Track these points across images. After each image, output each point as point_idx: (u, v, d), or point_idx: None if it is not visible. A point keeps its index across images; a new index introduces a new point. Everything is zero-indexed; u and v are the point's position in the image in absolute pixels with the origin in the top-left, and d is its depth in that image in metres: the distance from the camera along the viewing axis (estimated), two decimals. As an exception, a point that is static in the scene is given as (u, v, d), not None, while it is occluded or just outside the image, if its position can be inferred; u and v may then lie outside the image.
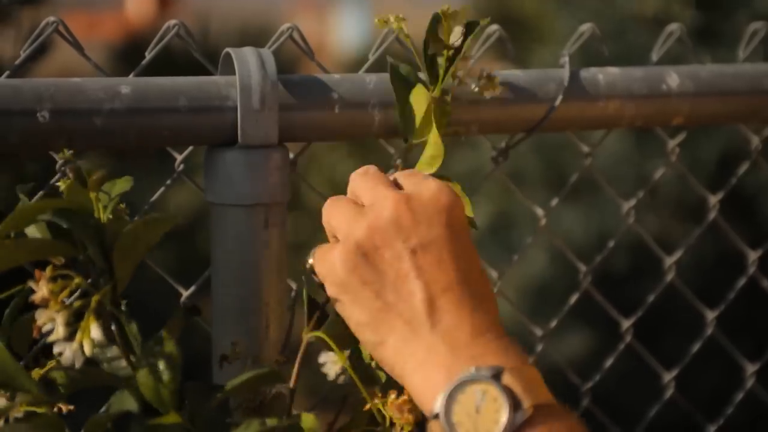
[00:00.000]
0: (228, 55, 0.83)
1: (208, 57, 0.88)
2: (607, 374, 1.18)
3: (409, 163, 1.00)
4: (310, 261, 0.74)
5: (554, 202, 1.09)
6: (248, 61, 0.81)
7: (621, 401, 1.89)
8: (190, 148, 0.88)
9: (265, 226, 0.83)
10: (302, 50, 0.90)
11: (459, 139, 0.89)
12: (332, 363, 0.78)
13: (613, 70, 0.97)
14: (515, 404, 0.62)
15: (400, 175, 0.75)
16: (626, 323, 1.18)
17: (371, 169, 0.75)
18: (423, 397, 0.66)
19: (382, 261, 0.68)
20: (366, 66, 0.94)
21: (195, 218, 3.11)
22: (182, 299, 0.93)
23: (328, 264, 0.71)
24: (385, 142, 0.98)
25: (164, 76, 0.81)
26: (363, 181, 0.74)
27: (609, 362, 1.18)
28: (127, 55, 3.51)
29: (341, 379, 0.90)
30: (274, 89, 0.81)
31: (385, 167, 1.01)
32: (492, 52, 1.03)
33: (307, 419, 0.76)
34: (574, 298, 1.13)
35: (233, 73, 0.81)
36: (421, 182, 0.72)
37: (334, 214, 0.73)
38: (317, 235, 0.92)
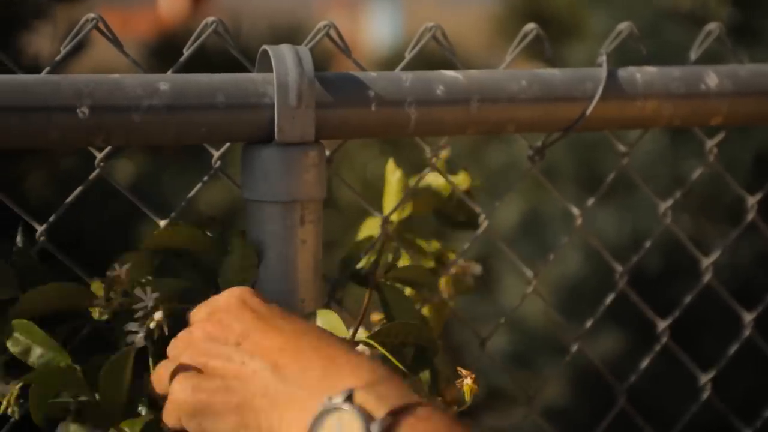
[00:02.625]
0: (265, 52, 0.83)
1: (240, 55, 0.88)
2: (642, 375, 1.17)
3: (449, 159, 1.00)
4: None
5: (590, 201, 1.08)
6: (285, 58, 0.81)
7: (657, 402, 1.87)
8: (227, 144, 0.88)
9: (301, 223, 0.83)
10: (339, 48, 0.91)
11: (490, 134, 0.89)
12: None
13: (651, 70, 0.96)
14: (369, 419, 0.62)
15: (194, 311, 0.78)
16: (662, 324, 1.17)
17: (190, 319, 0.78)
18: None
19: (216, 369, 0.71)
20: (402, 64, 0.94)
21: (226, 215, 3.12)
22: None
23: (169, 401, 0.73)
24: (421, 140, 0.98)
25: (201, 73, 0.82)
26: (174, 340, 0.76)
27: (645, 363, 1.17)
28: (160, 52, 3.53)
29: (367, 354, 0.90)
30: (311, 86, 0.81)
31: (417, 166, 1.01)
32: (526, 51, 1.02)
33: (327, 315, 0.78)
34: (610, 299, 1.12)
35: (270, 70, 0.82)
36: (211, 301, 0.77)
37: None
38: (348, 232, 0.92)
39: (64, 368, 0.74)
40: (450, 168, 1.00)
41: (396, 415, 0.62)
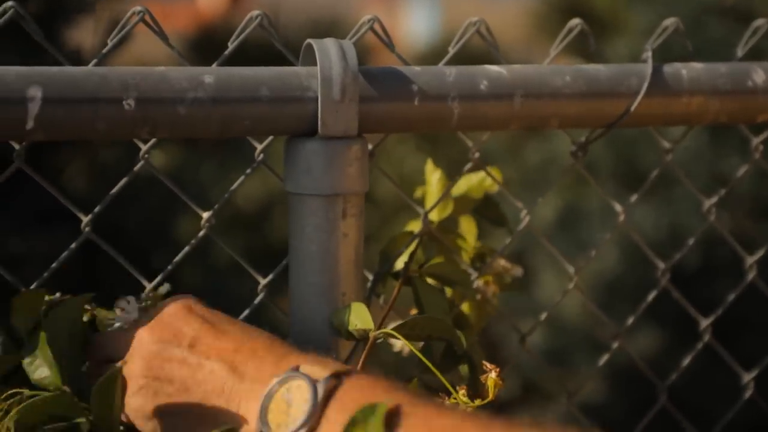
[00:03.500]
0: (309, 46, 0.83)
1: (284, 48, 0.89)
2: (682, 373, 1.16)
3: (485, 157, 1.00)
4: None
5: (633, 198, 1.08)
6: (329, 52, 0.81)
7: (697, 401, 1.86)
8: (270, 138, 0.89)
9: (343, 216, 0.83)
10: (383, 42, 0.90)
11: (532, 131, 0.89)
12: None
13: (697, 66, 0.95)
14: (314, 379, 0.66)
15: (129, 327, 0.79)
16: (705, 322, 1.16)
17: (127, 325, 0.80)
18: (250, 430, 0.69)
19: (172, 371, 0.73)
20: (446, 58, 0.94)
21: (262, 208, 3.14)
22: (260, 287, 0.93)
23: (127, 405, 0.74)
24: (464, 135, 0.97)
25: (246, 66, 0.82)
26: (112, 340, 0.78)
27: (687, 361, 1.16)
28: (200, 47, 3.55)
29: (406, 351, 0.91)
30: (355, 80, 0.81)
31: (455, 162, 1.01)
32: (566, 48, 1.02)
33: (357, 307, 0.79)
34: (652, 296, 1.11)
35: (314, 64, 0.82)
36: (155, 311, 0.77)
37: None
38: (385, 227, 0.92)
39: (57, 394, 0.74)
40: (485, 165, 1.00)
41: (338, 376, 0.66)
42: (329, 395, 0.65)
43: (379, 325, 0.80)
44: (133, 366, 0.74)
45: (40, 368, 0.76)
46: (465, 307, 0.99)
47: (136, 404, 0.73)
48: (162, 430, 0.73)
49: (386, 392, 0.65)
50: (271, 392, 0.67)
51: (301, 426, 0.65)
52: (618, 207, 1.07)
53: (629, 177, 2.36)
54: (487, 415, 0.65)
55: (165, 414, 0.72)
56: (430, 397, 0.73)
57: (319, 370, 0.67)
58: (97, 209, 0.85)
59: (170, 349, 0.73)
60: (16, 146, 0.82)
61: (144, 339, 0.75)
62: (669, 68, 0.94)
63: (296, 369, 0.68)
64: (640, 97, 0.91)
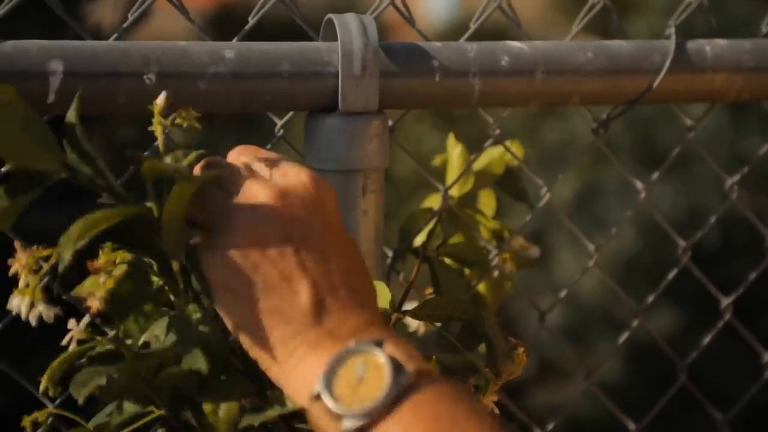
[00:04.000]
0: (330, 21, 0.83)
1: (298, 26, 0.88)
2: (702, 352, 1.16)
3: (506, 133, 1.00)
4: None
5: (655, 176, 1.07)
6: (350, 27, 0.81)
7: (716, 380, 1.86)
8: (290, 113, 0.88)
9: (363, 192, 0.83)
10: (404, 17, 0.90)
11: (551, 109, 0.88)
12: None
13: (721, 42, 0.94)
14: (398, 368, 0.59)
15: (267, 162, 0.69)
16: (726, 301, 1.16)
17: (246, 152, 0.70)
18: (302, 386, 0.62)
19: (264, 259, 0.64)
20: (467, 35, 0.93)
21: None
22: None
23: (210, 262, 0.65)
24: (484, 112, 0.97)
25: (266, 42, 0.82)
26: (234, 170, 0.68)
27: (707, 340, 1.16)
28: (219, 23, 3.54)
29: (422, 331, 0.91)
30: (376, 56, 0.81)
31: (473, 140, 1.00)
32: (589, 26, 1.01)
33: (377, 286, 0.76)
34: (672, 274, 1.11)
35: (335, 39, 0.81)
36: (292, 173, 0.67)
37: (208, 204, 0.67)
38: (402, 205, 0.92)
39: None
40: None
41: (421, 374, 0.59)
42: (406, 392, 0.58)
43: (399, 305, 0.80)
44: (236, 230, 0.64)
45: None
46: (482, 286, 0.99)
47: (224, 278, 0.64)
48: (224, 303, 0.65)
49: (468, 415, 0.59)
50: (344, 356, 0.60)
51: (366, 413, 0.58)
52: (639, 185, 1.07)
53: (647, 156, 2.35)
54: None
55: (231, 292, 0.64)
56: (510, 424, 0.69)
57: (406, 357, 0.60)
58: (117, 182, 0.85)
59: (277, 233, 0.64)
60: (38, 120, 0.82)
61: (262, 207, 0.65)
62: (692, 45, 0.93)
63: (380, 344, 0.60)
64: (663, 74, 0.90)
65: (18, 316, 0.75)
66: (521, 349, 0.78)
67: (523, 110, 0.92)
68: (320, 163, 0.82)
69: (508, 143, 0.99)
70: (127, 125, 2.53)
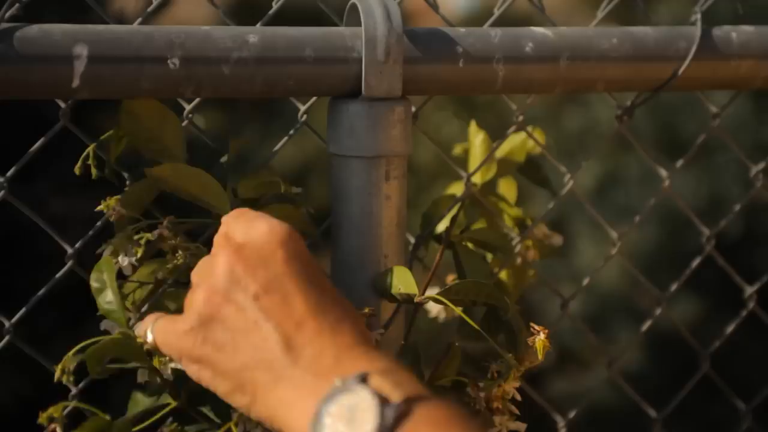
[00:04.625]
0: (354, 6, 0.82)
1: (319, 10, 0.88)
2: (723, 341, 1.15)
3: (527, 120, 0.99)
4: (150, 337, 0.71)
5: (679, 163, 1.06)
6: (374, 12, 0.81)
7: (738, 369, 1.85)
8: (314, 98, 0.88)
9: (386, 178, 0.82)
10: (427, 2, 0.90)
11: (572, 96, 0.88)
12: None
13: (748, 29, 0.93)
14: (384, 402, 0.59)
15: (231, 221, 0.72)
16: (750, 290, 1.15)
17: (231, 216, 0.73)
18: (297, 429, 0.63)
19: (227, 318, 0.66)
20: (491, 20, 0.93)
21: (298, 173, 3.14)
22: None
23: (174, 341, 0.69)
24: (507, 98, 0.97)
25: (290, 26, 0.81)
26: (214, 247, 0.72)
27: (730, 329, 1.16)
28: (241, 10, 3.54)
29: (442, 317, 0.90)
30: (399, 41, 0.81)
31: (494, 128, 1.00)
32: (612, 15, 1.01)
33: (400, 270, 0.77)
34: (696, 262, 1.11)
35: (358, 24, 0.81)
36: (251, 226, 0.70)
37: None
38: (422, 193, 0.92)
39: (119, 338, 0.72)
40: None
41: (411, 402, 0.59)
42: (398, 422, 0.58)
43: (423, 290, 0.80)
44: (197, 295, 0.68)
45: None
46: (503, 273, 0.99)
47: (188, 346, 0.67)
48: (204, 380, 0.67)
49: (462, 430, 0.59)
50: (333, 396, 0.60)
51: None
52: (663, 172, 1.06)
53: (668, 145, 2.34)
54: None
55: (208, 363, 0.67)
56: None
57: (391, 388, 0.60)
58: (140, 167, 0.85)
59: (236, 290, 0.67)
60: (62, 105, 0.82)
61: (219, 265, 0.68)
62: (718, 31, 0.92)
63: (364, 379, 0.60)
64: (688, 60, 0.90)
65: (40, 302, 0.76)
66: (543, 336, 0.78)
67: (545, 98, 0.92)
68: (343, 149, 0.82)
69: (529, 129, 0.99)
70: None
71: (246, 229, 0.70)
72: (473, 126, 0.99)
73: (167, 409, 0.76)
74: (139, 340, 0.72)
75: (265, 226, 0.69)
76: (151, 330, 0.71)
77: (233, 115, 2.64)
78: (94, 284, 0.75)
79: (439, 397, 0.62)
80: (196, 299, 0.68)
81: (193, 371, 0.68)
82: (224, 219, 0.72)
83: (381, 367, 0.62)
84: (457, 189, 0.98)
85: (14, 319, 0.81)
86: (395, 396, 0.59)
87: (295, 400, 0.63)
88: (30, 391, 0.81)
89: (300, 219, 0.84)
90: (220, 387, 0.67)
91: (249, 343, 0.65)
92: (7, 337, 0.80)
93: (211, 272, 0.68)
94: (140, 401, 0.77)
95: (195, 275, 0.70)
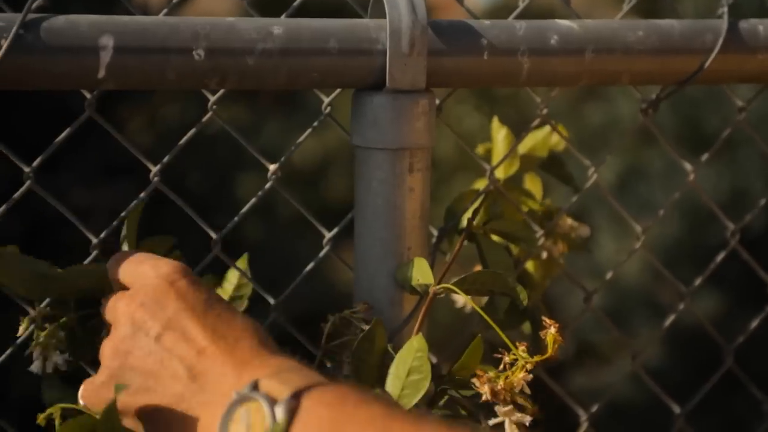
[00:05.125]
0: (379, -2, 0.82)
1: (343, 2, 0.88)
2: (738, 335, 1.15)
3: (552, 112, 0.99)
4: (82, 402, 0.73)
5: (704, 157, 1.06)
6: (399, 4, 0.80)
7: (760, 363, 1.84)
8: (338, 90, 0.88)
9: (409, 171, 0.82)
10: (453, -6, 0.89)
11: (595, 90, 0.88)
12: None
13: (775, 21, 0.93)
14: (272, 402, 0.62)
15: (118, 267, 0.75)
16: (773, 285, 1.14)
17: (118, 263, 0.75)
18: None
19: (136, 365, 0.70)
20: (516, 12, 0.92)
21: (318, 166, 3.14)
22: (325, 240, 0.94)
23: (94, 397, 0.72)
24: (531, 91, 0.96)
25: (315, 18, 0.81)
26: (110, 301, 0.74)
27: (755, 323, 1.15)
28: (262, 0, 3.54)
29: (468, 307, 0.90)
30: (424, 33, 0.80)
31: (515, 122, 1.00)
32: (636, 9, 1.00)
33: (419, 262, 0.76)
34: (720, 257, 1.10)
35: (383, 16, 0.81)
36: (137, 271, 0.73)
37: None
38: (442, 185, 0.92)
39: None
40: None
41: (299, 394, 0.62)
42: (291, 416, 0.61)
43: (440, 280, 0.80)
44: (105, 349, 0.72)
45: None
46: (530, 265, 0.98)
47: (104, 396, 0.70)
48: (129, 426, 0.70)
49: (355, 407, 0.62)
50: (230, 411, 0.63)
51: None
52: (688, 166, 1.05)
53: (691, 139, 2.33)
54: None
55: (129, 409, 0.70)
56: (407, 410, 0.70)
57: (279, 387, 0.63)
58: (166, 159, 0.86)
59: (138, 337, 0.70)
60: (88, 95, 0.82)
61: (119, 316, 0.72)
62: (745, 24, 0.92)
63: (255, 386, 0.64)
64: (714, 53, 0.89)
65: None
66: (554, 330, 0.78)
67: (566, 92, 0.92)
68: (367, 141, 0.82)
69: (554, 124, 0.99)
70: (169, 104, 2.54)
71: (134, 276, 0.73)
72: (496, 122, 0.99)
73: None
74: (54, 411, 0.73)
75: (151, 270, 0.72)
76: (81, 393, 0.73)
77: (255, 108, 2.65)
78: None
79: (332, 382, 0.64)
80: (104, 353, 0.72)
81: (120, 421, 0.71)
82: (110, 265, 0.75)
83: (271, 370, 0.65)
84: (481, 184, 0.98)
85: (39, 308, 0.82)
86: (284, 393, 0.62)
87: (207, 424, 0.66)
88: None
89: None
90: (145, 428, 0.70)
91: (160, 383, 0.68)
92: (31, 327, 0.80)
93: (114, 323, 0.72)
94: None
95: (106, 318, 0.74)
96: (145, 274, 0.72)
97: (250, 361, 0.67)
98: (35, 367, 0.79)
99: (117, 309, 0.72)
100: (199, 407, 0.67)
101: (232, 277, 0.88)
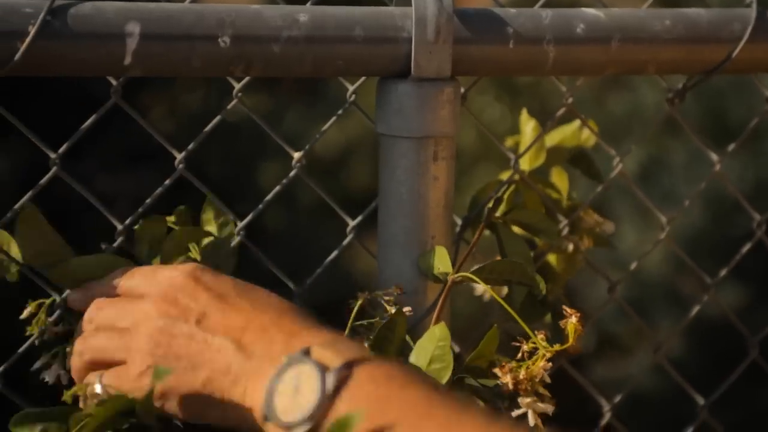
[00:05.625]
0: (404, -15, 0.82)
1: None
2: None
3: (577, 102, 0.98)
4: (99, 388, 0.72)
5: (731, 147, 1.05)
6: (424, -9, 0.80)
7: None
8: (363, 78, 0.88)
9: (434, 159, 0.82)
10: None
11: (616, 79, 0.87)
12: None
13: (805, 10, 0.92)
14: (323, 369, 0.63)
15: (129, 281, 0.75)
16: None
17: (122, 284, 0.75)
18: (254, 413, 0.66)
19: (180, 350, 0.70)
20: (542, 1, 0.92)
21: (340, 156, 3.14)
22: (348, 228, 0.94)
23: (129, 386, 0.71)
24: (557, 80, 0.96)
25: (340, 6, 0.81)
26: (112, 305, 0.74)
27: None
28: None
29: (487, 296, 0.90)
30: (449, 21, 0.80)
31: (536, 114, 0.99)
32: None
33: (439, 250, 0.76)
34: (746, 248, 1.09)
35: (408, 4, 0.81)
36: (156, 279, 0.74)
37: (101, 336, 0.74)
38: (463, 176, 0.91)
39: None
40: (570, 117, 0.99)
41: (351, 366, 0.63)
42: (340, 386, 0.62)
43: (458, 269, 0.80)
44: (139, 341, 0.71)
45: None
46: (552, 258, 0.98)
47: (145, 383, 0.70)
48: (171, 409, 0.70)
49: (401, 388, 0.62)
50: (280, 374, 0.64)
51: (308, 418, 0.62)
52: (714, 156, 1.05)
53: (713, 130, 2.32)
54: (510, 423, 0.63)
55: (173, 393, 0.70)
56: (455, 394, 0.71)
57: (331, 356, 0.64)
58: (191, 146, 0.86)
59: (178, 325, 0.70)
60: (113, 82, 0.82)
61: (150, 314, 0.72)
62: (774, 13, 0.91)
63: (307, 352, 0.64)
64: (743, 43, 0.88)
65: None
66: (575, 319, 0.77)
67: (589, 82, 0.91)
68: (391, 129, 0.82)
69: (579, 120, 0.98)
70: (190, 92, 2.55)
71: (153, 282, 0.73)
72: (524, 114, 0.98)
73: None
74: (80, 392, 0.73)
75: (171, 272, 0.73)
76: (100, 382, 0.73)
77: (278, 96, 2.65)
78: None
79: (383, 358, 0.65)
80: (140, 344, 0.71)
81: (160, 406, 0.71)
82: (118, 282, 0.75)
83: (324, 340, 0.66)
84: (507, 175, 0.98)
85: (64, 295, 0.82)
86: (335, 363, 0.63)
87: (254, 390, 0.66)
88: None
89: None
90: (188, 410, 0.70)
91: (205, 360, 0.69)
92: (58, 311, 0.81)
93: (146, 320, 0.72)
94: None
95: (121, 319, 0.73)
96: (166, 277, 0.73)
97: (299, 332, 0.68)
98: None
99: (143, 305, 0.72)
100: (246, 376, 0.67)
101: (209, 217, 0.84)
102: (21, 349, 0.81)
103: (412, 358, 0.74)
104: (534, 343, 0.76)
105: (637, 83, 2.39)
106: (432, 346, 0.74)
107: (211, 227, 0.83)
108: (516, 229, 0.92)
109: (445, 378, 0.73)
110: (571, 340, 0.77)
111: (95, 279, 0.77)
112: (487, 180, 0.98)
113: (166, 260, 0.79)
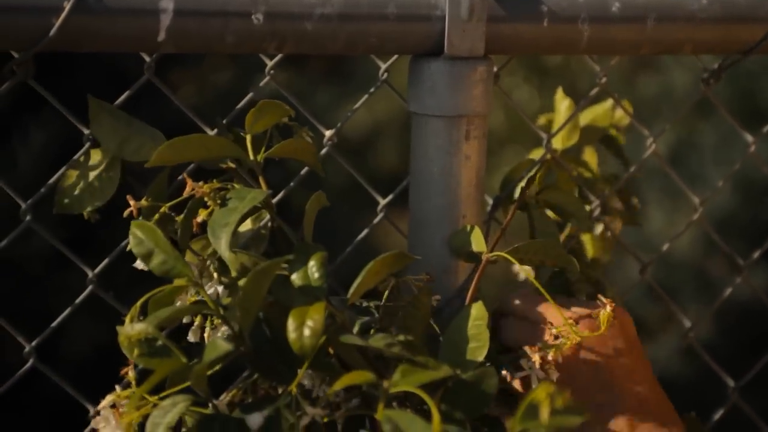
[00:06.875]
0: (438, -37, 0.81)
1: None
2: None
3: (612, 82, 0.98)
4: None
5: (766, 129, 1.04)
6: (459, -31, 0.80)
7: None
8: (395, 57, 0.88)
9: (466, 138, 0.82)
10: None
11: (646, 60, 0.87)
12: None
13: None
14: None
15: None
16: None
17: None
18: None
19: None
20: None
21: (367, 136, 3.14)
22: (379, 207, 0.93)
23: None
24: (591, 60, 0.95)
25: (373, -17, 0.81)
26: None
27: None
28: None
29: (521, 277, 0.90)
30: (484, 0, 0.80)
31: (570, 94, 0.98)
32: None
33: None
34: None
35: (443, -18, 0.80)
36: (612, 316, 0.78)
37: None
38: (491, 156, 0.90)
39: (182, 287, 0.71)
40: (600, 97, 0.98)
41: None
42: None
43: (492, 249, 0.79)
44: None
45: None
46: (587, 240, 0.98)
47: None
48: None
49: None
50: None
51: None
52: (749, 137, 1.04)
53: (744, 112, 2.30)
54: None
55: None
56: None
57: None
58: (224, 122, 0.86)
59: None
60: (147, 58, 0.82)
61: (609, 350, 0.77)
62: (814, -8, 0.90)
63: None
64: (780, 22, 0.87)
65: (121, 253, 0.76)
66: (609, 309, 0.77)
67: (620, 62, 0.91)
68: (424, 107, 0.81)
69: (612, 101, 0.97)
70: (220, 71, 2.55)
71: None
72: (559, 93, 0.98)
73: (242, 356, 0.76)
74: None
75: (625, 316, 0.80)
76: None
77: (307, 76, 2.65)
78: (137, 249, 0.72)
79: None
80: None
81: None
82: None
83: None
84: (539, 154, 0.97)
85: (97, 270, 0.83)
86: None
87: None
88: (107, 340, 0.82)
89: (310, 150, 0.82)
90: None
91: None
92: (90, 287, 0.81)
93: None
94: (219, 347, 0.76)
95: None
96: (622, 323, 0.79)
97: None
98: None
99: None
100: None
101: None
102: (54, 323, 0.81)
103: (445, 336, 0.74)
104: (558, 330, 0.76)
105: (668, 63, 2.37)
106: (467, 325, 0.74)
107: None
108: (548, 213, 0.92)
109: (480, 356, 0.73)
110: (602, 329, 0.76)
111: None
112: (514, 161, 0.97)
113: None
